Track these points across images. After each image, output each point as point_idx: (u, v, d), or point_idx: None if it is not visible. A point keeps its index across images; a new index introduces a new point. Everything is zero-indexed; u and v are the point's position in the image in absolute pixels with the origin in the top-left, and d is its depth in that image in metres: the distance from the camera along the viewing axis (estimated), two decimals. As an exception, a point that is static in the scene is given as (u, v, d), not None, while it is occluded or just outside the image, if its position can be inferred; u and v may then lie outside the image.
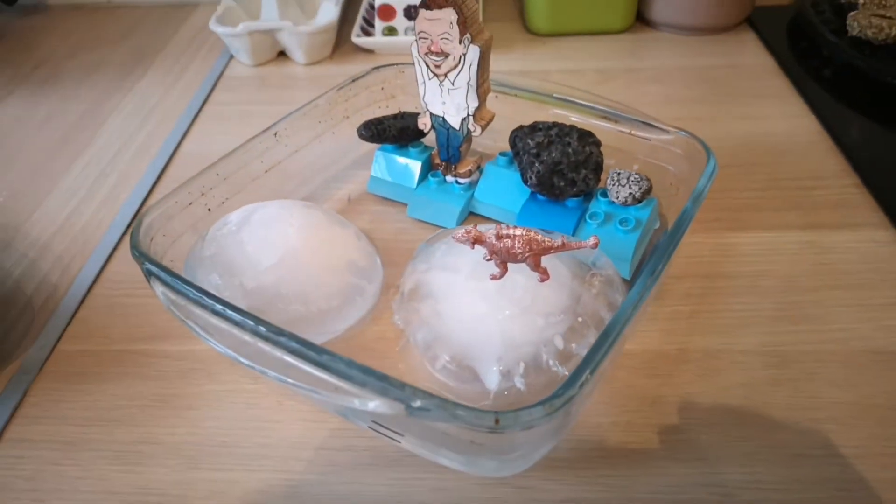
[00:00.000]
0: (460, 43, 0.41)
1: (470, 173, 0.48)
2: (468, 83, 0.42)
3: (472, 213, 0.48)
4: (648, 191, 0.42)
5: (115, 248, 0.49)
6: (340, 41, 0.72)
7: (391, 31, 0.68)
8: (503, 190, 0.46)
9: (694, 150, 0.42)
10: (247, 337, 0.31)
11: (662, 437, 0.35)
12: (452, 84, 0.43)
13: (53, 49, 0.76)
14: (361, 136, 0.48)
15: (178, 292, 0.33)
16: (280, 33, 0.67)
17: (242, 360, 0.31)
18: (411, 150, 0.49)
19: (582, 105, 0.46)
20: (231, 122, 0.61)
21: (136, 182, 0.55)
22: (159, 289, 0.34)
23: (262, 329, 0.30)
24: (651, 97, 0.62)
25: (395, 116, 0.49)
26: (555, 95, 0.47)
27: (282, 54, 0.71)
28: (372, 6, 0.72)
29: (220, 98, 0.65)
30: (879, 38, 0.60)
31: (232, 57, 0.71)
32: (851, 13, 0.64)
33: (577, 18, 0.70)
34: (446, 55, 0.42)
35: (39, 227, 0.51)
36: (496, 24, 0.75)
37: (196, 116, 0.62)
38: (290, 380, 0.30)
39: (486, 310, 0.36)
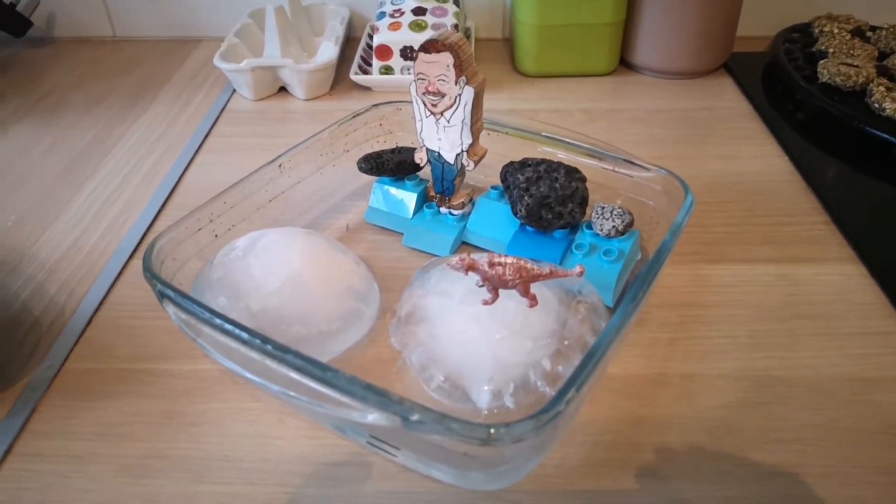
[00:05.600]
0: (456, 84, 0.44)
1: (463, 205, 0.50)
2: (463, 121, 0.45)
3: (464, 243, 0.51)
4: (630, 224, 0.45)
5: (120, 272, 0.50)
6: (339, 78, 0.75)
7: (387, 70, 0.71)
8: (494, 221, 0.49)
9: (673, 187, 0.45)
10: (254, 354, 0.33)
11: (643, 455, 0.37)
12: (448, 122, 0.46)
13: (60, 80, 0.79)
14: (361, 169, 0.51)
15: (189, 312, 0.35)
16: (281, 70, 0.70)
17: (250, 375, 0.33)
18: (408, 182, 0.52)
19: (569, 143, 0.49)
20: (233, 153, 0.64)
21: (141, 209, 0.57)
22: (171, 309, 0.36)
23: (270, 347, 0.32)
24: (633, 136, 0.65)
25: (392, 151, 0.51)
26: (544, 134, 0.50)
27: (282, 90, 0.73)
28: (370, 46, 0.75)
29: (222, 130, 0.67)
30: (847, 85, 0.64)
31: (234, 91, 0.74)
32: (822, 61, 0.68)
33: (563, 61, 0.74)
34: (443, 95, 0.44)
35: (46, 251, 0.53)
36: (487, 65, 0.79)
37: (199, 148, 0.65)
38: (295, 395, 0.32)
39: (479, 333, 0.38)
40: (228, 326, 0.33)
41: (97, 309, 0.48)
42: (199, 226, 0.43)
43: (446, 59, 0.43)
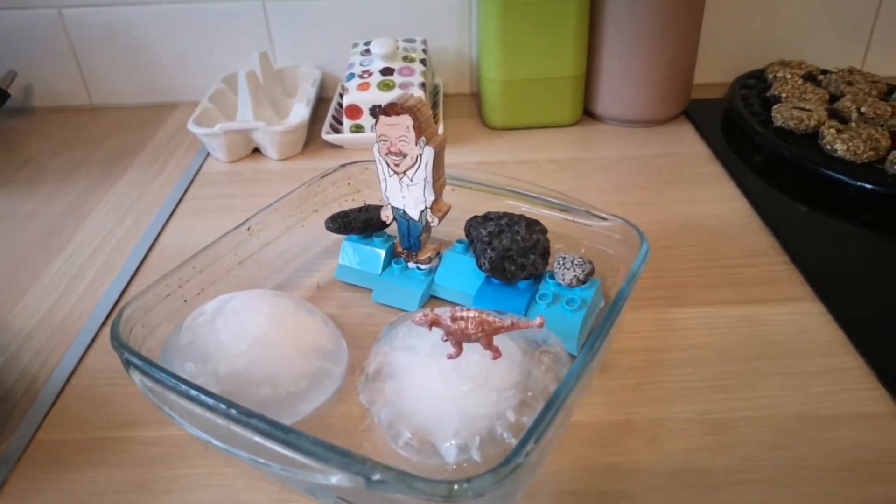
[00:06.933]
0: (416, 144, 0.45)
1: (430, 260, 0.51)
2: (425, 179, 0.47)
3: (432, 297, 0.52)
4: (591, 273, 0.46)
5: (93, 339, 0.51)
6: (311, 138, 0.77)
7: (358, 129, 0.73)
8: (460, 275, 0.50)
9: (630, 235, 0.46)
10: (219, 420, 0.33)
11: (611, 503, 0.37)
12: (411, 180, 0.47)
13: (38, 150, 0.80)
14: (329, 228, 0.52)
15: (154, 380, 0.36)
16: (254, 132, 0.72)
17: (215, 442, 0.34)
18: (375, 239, 0.53)
19: (530, 196, 0.51)
20: (207, 216, 0.65)
21: (114, 275, 0.57)
22: (137, 377, 0.37)
23: (233, 412, 0.33)
24: (599, 184, 0.67)
25: (360, 209, 0.53)
26: (506, 188, 0.52)
27: (256, 151, 0.75)
28: (340, 105, 0.77)
29: (197, 193, 0.69)
30: (801, 129, 0.67)
31: (209, 154, 0.75)
32: (776, 106, 0.71)
33: (529, 114, 0.76)
34: (404, 155, 0.46)
35: (21, 320, 0.53)
36: (456, 119, 0.81)
37: (173, 211, 0.66)
38: (259, 459, 0.33)
39: (444, 387, 0.39)
40: (193, 392, 0.34)
41: (70, 377, 0.48)
42: (167, 291, 0.44)
43: (406, 121, 0.45)
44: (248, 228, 0.49)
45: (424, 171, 0.46)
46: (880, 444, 0.39)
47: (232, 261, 0.48)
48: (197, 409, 0.34)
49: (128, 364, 0.37)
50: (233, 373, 0.40)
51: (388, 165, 0.47)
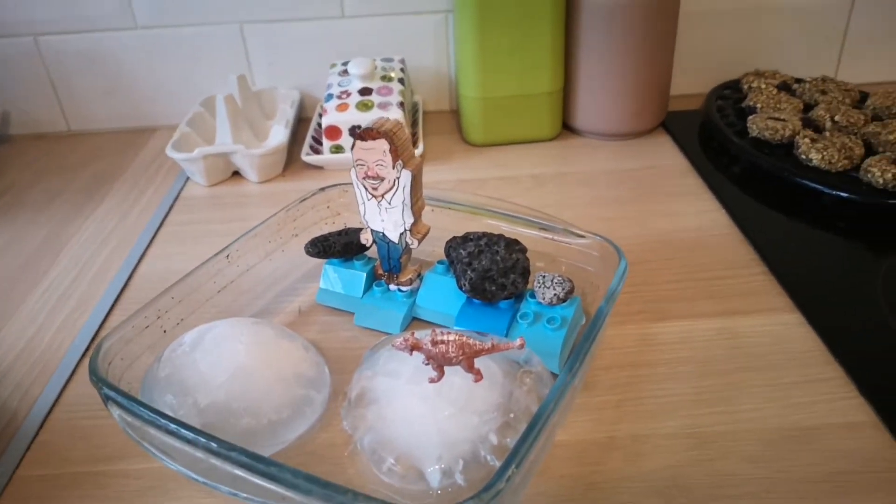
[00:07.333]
0: (393, 168, 0.45)
1: (411, 282, 0.51)
2: (403, 202, 0.47)
3: (414, 318, 0.52)
4: (571, 291, 0.46)
5: (74, 371, 0.50)
6: (291, 159, 0.77)
7: (338, 149, 0.74)
8: (442, 296, 0.50)
9: (608, 252, 0.46)
10: (199, 454, 0.33)
11: (595, 522, 0.37)
12: (389, 203, 0.47)
13: (16, 178, 0.79)
14: (308, 253, 0.52)
15: (133, 414, 0.35)
16: (233, 155, 0.72)
17: (195, 476, 0.34)
18: (356, 262, 0.53)
19: (509, 215, 0.51)
20: (187, 241, 0.65)
21: (94, 305, 0.57)
22: (116, 411, 0.36)
23: (213, 445, 0.33)
24: (580, 199, 0.67)
25: (339, 233, 0.53)
26: (485, 207, 0.52)
27: (236, 174, 0.75)
28: (320, 126, 0.77)
29: (176, 219, 0.68)
30: (776, 139, 0.68)
31: (188, 179, 0.75)
32: (751, 116, 0.71)
33: (508, 130, 0.77)
34: (382, 179, 0.46)
35: (0, 352, 0.53)
36: (436, 136, 0.81)
37: (153, 238, 0.65)
38: (240, 493, 0.32)
39: (426, 411, 0.39)
40: (172, 426, 0.34)
41: (50, 411, 0.47)
42: (146, 323, 0.43)
43: (382, 145, 0.45)
44: (228, 256, 0.49)
45: (402, 194, 0.46)
46: (861, 454, 0.40)
47: (211, 289, 0.48)
48: (177, 444, 0.34)
49: (106, 399, 0.37)
50: (213, 404, 0.39)
51: (366, 189, 0.47)
